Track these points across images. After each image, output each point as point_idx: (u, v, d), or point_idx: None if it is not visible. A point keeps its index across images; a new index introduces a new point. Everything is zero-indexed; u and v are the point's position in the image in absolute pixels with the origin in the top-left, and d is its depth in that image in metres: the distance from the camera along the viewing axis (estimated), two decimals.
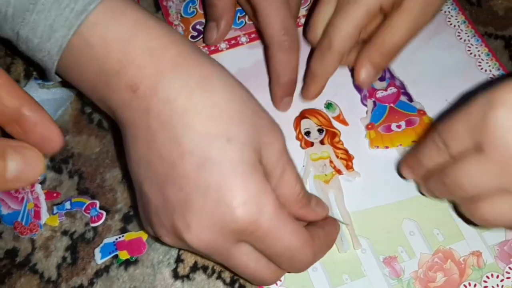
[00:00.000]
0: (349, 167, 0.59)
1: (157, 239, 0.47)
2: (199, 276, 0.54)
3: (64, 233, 0.57)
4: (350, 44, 0.55)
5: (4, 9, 0.43)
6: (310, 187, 0.58)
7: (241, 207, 0.39)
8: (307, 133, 0.60)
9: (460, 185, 0.44)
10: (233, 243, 0.42)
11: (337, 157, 0.59)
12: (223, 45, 0.66)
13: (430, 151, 0.48)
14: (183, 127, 0.40)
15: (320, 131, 0.61)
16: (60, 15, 0.42)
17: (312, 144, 0.60)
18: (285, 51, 0.56)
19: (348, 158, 0.59)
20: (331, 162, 0.59)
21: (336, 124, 0.61)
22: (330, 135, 0.60)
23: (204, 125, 0.40)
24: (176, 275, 0.54)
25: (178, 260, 0.55)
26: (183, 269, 0.54)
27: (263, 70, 0.64)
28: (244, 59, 0.66)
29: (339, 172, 0.58)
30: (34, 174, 0.34)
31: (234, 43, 0.67)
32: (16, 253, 0.56)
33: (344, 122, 0.61)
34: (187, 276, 0.54)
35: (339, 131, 0.61)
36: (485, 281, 0.52)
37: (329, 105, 0.62)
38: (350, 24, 0.53)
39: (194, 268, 0.54)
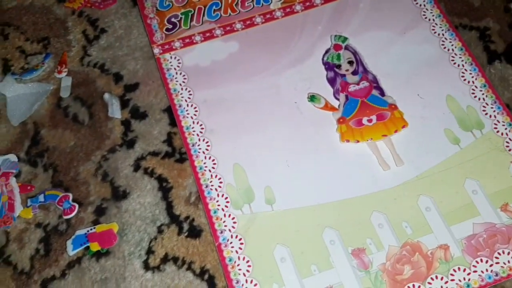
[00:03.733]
0: None
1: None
2: (170, 268, 0.55)
3: (38, 225, 0.58)
4: None
5: None
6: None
7: None
8: None
9: None
10: None
11: None
12: (198, 38, 0.67)
13: None
14: None
15: None
16: None
17: None
18: None
19: None
20: None
21: (326, 113, 0.62)
22: None
23: None
24: (146, 267, 0.55)
25: (149, 251, 0.56)
26: (153, 261, 0.55)
27: (237, 62, 0.65)
28: (219, 51, 0.66)
29: None
30: None
31: (208, 36, 0.67)
32: None
33: (333, 109, 0.62)
34: (158, 268, 0.55)
35: None
36: (452, 274, 0.53)
37: (312, 98, 0.62)
38: None
39: (165, 259, 0.55)
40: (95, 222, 0.57)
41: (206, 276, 0.54)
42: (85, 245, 0.56)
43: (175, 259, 0.55)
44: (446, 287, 0.52)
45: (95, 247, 0.56)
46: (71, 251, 0.56)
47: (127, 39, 0.68)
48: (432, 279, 0.53)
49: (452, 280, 0.52)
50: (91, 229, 0.57)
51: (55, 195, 0.58)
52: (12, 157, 0.61)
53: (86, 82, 0.65)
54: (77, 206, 0.58)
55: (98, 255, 0.56)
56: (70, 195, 0.58)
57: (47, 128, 0.63)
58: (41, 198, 0.59)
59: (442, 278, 0.53)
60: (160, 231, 0.57)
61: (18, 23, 0.71)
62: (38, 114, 0.64)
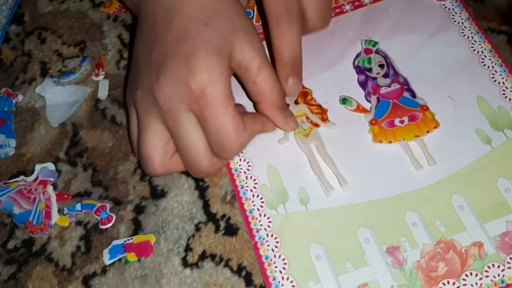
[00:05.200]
0: (324, 119, 0.63)
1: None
2: (207, 264, 0.56)
3: (78, 223, 0.59)
4: None
5: None
6: (291, 143, 0.62)
7: (196, 74, 0.48)
8: None
9: None
10: (184, 107, 0.50)
11: (312, 112, 0.63)
12: None
13: None
14: (178, 12, 0.51)
15: None
16: None
17: (287, 105, 0.63)
18: (284, 26, 0.56)
19: (322, 112, 0.63)
20: (307, 118, 0.63)
21: (356, 115, 0.63)
22: (302, 94, 0.65)
23: (192, 11, 0.51)
24: (185, 263, 0.56)
25: (187, 249, 0.57)
26: (192, 258, 0.56)
27: None
28: None
29: (316, 125, 0.62)
30: None
31: None
32: (32, 242, 0.59)
33: (365, 111, 0.63)
34: (196, 264, 0.56)
35: (310, 90, 0.65)
36: (486, 271, 0.53)
37: (344, 100, 0.64)
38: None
39: (203, 256, 0.56)
40: (135, 220, 0.59)
41: (243, 273, 0.55)
42: (122, 255, 0.57)
43: (212, 256, 0.56)
44: (480, 283, 0.53)
45: (132, 257, 0.57)
46: (108, 261, 0.57)
47: None
48: (466, 275, 0.53)
49: (487, 276, 0.53)
50: (128, 240, 0.58)
51: (92, 205, 0.60)
52: (50, 166, 0.63)
53: (123, 85, 0.67)
54: (114, 216, 0.59)
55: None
56: (108, 205, 0.60)
57: (85, 129, 0.64)
58: (78, 207, 0.60)
59: (476, 275, 0.53)
60: (197, 228, 0.58)
61: (54, 28, 0.73)
62: (76, 116, 0.65)
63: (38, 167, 0.62)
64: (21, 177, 0.62)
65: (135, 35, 0.56)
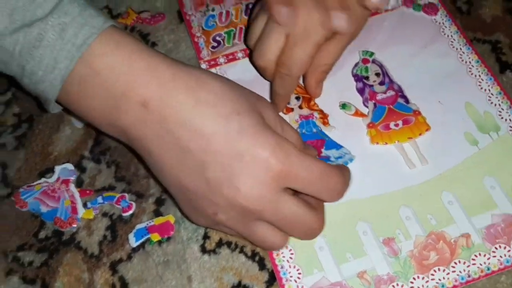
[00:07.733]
0: (325, 123, 0.68)
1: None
2: (224, 251, 0.61)
3: (104, 214, 0.64)
4: (305, 70, 0.65)
5: (12, 48, 0.47)
6: None
7: (272, 156, 0.47)
8: None
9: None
10: (278, 191, 0.49)
11: None
12: (240, 54, 0.74)
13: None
14: (200, 118, 0.47)
15: (297, 98, 0.70)
16: (63, 49, 0.46)
17: (292, 109, 0.69)
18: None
19: (324, 116, 0.69)
20: None
21: (355, 119, 0.69)
22: (306, 100, 0.70)
23: (214, 111, 0.48)
24: (204, 250, 0.61)
25: (205, 237, 0.62)
26: (209, 245, 0.61)
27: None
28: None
29: None
30: None
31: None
32: (62, 232, 0.63)
33: (362, 115, 0.69)
34: (214, 251, 0.61)
35: None
36: (473, 259, 0.58)
37: (344, 105, 0.69)
38: (305, 55, 0.62)
39: (220, 243, 0.61)
40: (156, 212, 0.64)
41: (257, 258, 0.61)
42: (146, 237, 0.62)
43: (228, 244, 0.61)
44: (468, 270, 0.58)
45: (155, 237, 0.62)
46: (134, 243, 0.61)
47: (176, 52, 0.75)
48: (455, 263, 0.58)
49: (474, 264, 0.58)
50: (150, 222, 0.63)
51: (112, 196, 0.65)
52: (69, 166, 0.67)
53: None
54: (134, 204, 0.64)
55: (160, 240, 0.62)
56: (126, 195, 0.64)
57: None
58: (99, 200, 0.65)
59: (464, 263, 0.58)
60: None
61: None
62: None
63: (57, 168, 0.67)
64: (43, 179, 0.66)
65: (150, 163, 0.53)
